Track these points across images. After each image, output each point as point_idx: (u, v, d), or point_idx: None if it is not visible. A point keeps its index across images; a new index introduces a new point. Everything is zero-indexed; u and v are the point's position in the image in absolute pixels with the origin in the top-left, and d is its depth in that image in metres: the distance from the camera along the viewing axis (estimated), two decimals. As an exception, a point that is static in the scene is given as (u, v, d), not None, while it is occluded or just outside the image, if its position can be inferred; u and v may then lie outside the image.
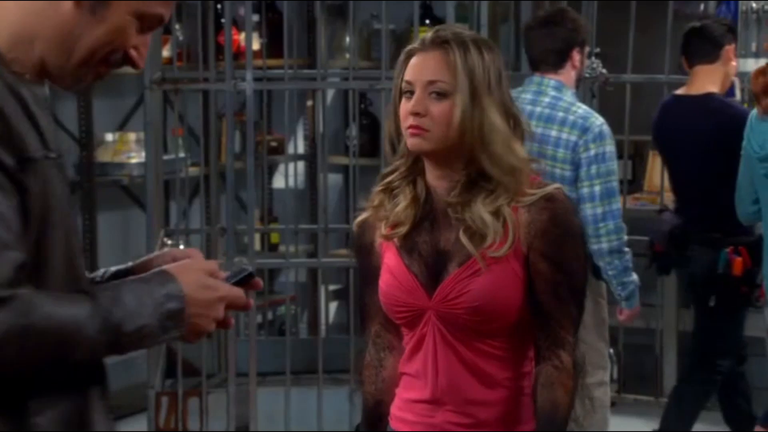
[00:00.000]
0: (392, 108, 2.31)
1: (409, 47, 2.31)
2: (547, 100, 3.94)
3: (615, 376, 5.30)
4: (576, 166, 3.90)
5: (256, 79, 4.62)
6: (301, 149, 6.46)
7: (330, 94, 6.48)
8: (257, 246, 5.75)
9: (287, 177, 5.50)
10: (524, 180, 2.24)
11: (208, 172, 5.45)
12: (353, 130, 5.34)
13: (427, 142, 2.24)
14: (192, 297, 1.68)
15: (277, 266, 5.73)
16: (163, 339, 1.67)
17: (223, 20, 5.25)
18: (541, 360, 2.25)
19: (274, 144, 6.17)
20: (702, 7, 5.67)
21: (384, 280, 2.31)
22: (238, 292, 1.74)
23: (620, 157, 5.31)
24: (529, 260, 2.22)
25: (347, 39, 5.95)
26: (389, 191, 2.32)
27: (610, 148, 3.93)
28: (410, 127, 2.25)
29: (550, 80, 3.96)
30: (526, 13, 6.03)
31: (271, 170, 6.53)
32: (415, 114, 2.24)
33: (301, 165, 6.32)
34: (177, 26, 5.18)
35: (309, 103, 6.42)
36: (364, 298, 2.40)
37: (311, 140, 6.45)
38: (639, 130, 5.66)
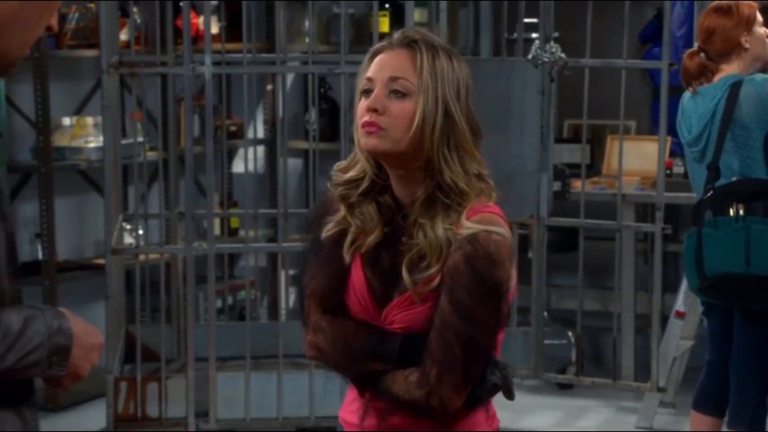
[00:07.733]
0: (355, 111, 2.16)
1: (376, 46, 2.17)
2: None
3: (573, 359, 5.34)
4: None
5: (215, 63, 4.60)
6: (260, 133, 6.45)
7: (289, 78, 6.46)
8: (217, 231, 5.74)
9: (247, 161, 5.49)
10: (476, 198, 2.10)
11: (166, 157, 5.41)
12: (313, 115, 5.33)
13: (382, 142, 2.08)
14: (78, 338, 1.70)
15: (236, 251, 5.71)
16: (46, 373, 1.68)
17: (181, 3, 5.22)
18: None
19: (233, 128, 6.16)
20: (659, -8, 5.69)
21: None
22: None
23: (578, 141, 5.36)
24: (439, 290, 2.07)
25: (306, 23, 5.94)
26: (351, 202, 2.15)
27: None
28: (365, 124, 2.09)
29: None
30: (485, -2, 6.04)
31: (231, 154, 6.51)
32: (373, 111, 2.09)
33: (260, 149, 6.31)
34: (135, 9, 5.13)
35: (268, 87, 6.41)
36: (316, 278, 2.19)
37: (271, 124, 6.44)
38: (597, 114, 5.70)
